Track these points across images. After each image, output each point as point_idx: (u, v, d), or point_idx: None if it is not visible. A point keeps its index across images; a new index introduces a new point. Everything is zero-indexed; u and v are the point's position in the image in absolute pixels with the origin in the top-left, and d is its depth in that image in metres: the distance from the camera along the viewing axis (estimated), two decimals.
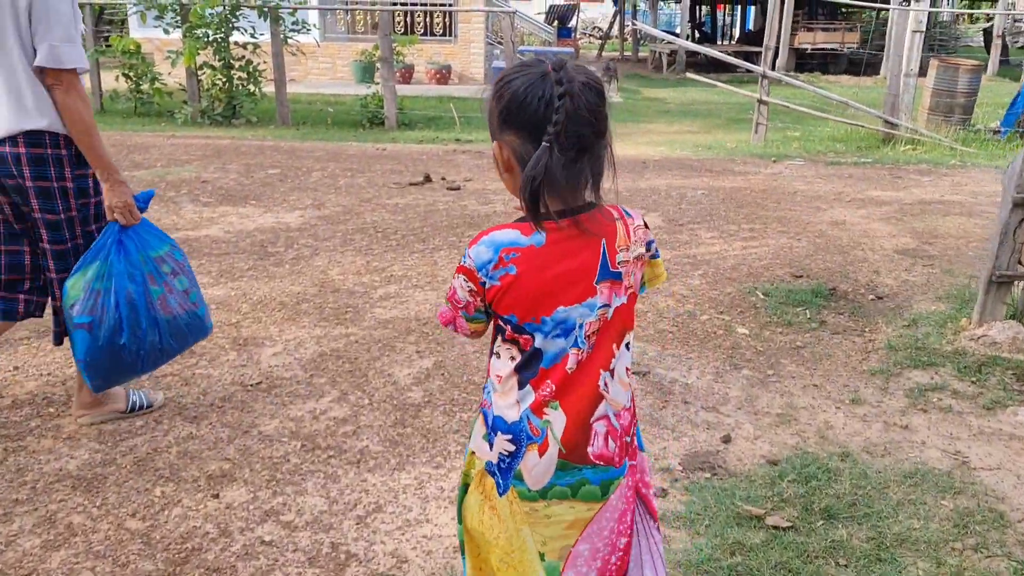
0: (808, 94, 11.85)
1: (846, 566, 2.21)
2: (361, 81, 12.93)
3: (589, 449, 1.38)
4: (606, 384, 1.38)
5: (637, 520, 1.49)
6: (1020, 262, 3.75)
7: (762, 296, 4.27)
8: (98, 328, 2.53)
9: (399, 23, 15.66)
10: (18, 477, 2.53)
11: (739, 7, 31.28)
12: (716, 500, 2.49)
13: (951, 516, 2.45)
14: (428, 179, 6.95)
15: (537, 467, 1.36)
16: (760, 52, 13.52)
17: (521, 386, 1.37)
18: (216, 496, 2.46)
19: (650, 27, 20.42)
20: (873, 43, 20.78)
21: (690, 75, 11.37)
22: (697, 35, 26.95)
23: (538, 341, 1.35)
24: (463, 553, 1.55)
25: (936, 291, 4.43)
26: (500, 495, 1.40)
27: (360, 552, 2.24)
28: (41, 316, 2.79)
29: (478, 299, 1.37)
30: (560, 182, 1.27)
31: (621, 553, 1.45)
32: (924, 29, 9.49)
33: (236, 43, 10.19)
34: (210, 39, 10.02)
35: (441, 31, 16.23)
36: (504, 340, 1.39)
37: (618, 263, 1.36)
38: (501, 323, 1.38)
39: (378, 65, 10.53)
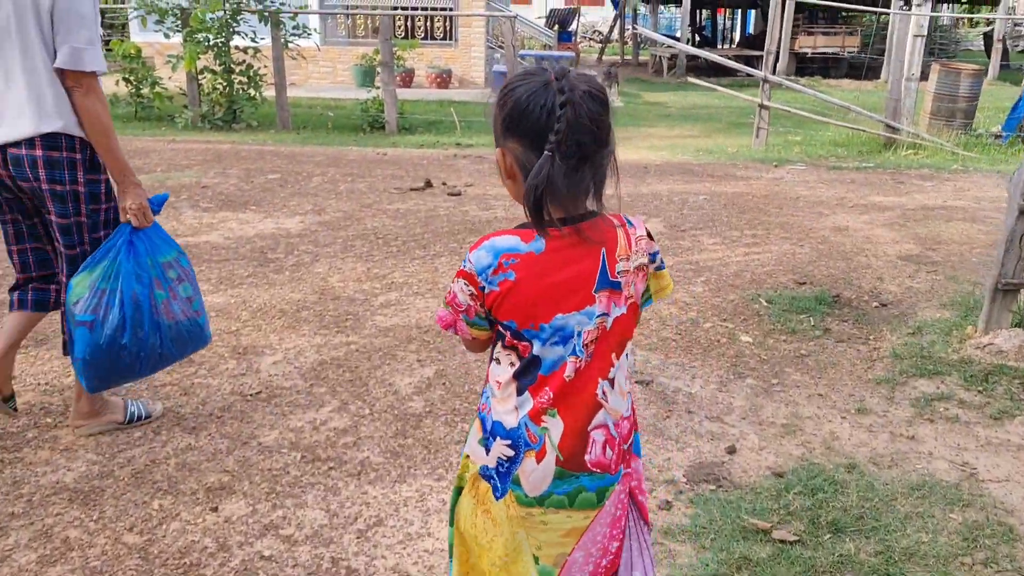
0: (809, 98, 11.83)
1: None
2: (362, 85, 12.94)
3: (586, 457, 1.38)
4: (604, 393, 1.39)
5: (630, 524, 1.50)
6: None
7: (765, 303, 4.24)
8: (100, 327, 2.52)
9: (400, 27, 15.65)
10: (14, 490, 2.50)
11: (739, 11, 31.32)
12: (721, 513, 2.46)
13: (960, 530, 2.42)
14: (429, 184, 6.92)
15: (535, 473, 1.37)
16: (760, 56, 13.51)
17: (520, 392, 1.38)
18: (215, 509, 2.43)
19: (650, 31, 20.40)
20: (874, 47, 20.76)
21: (691, 79, 11.36)
22: (697, 39, 26.96)
23: (536, 348, 1.35)
24: (451, 556, 1.55)
25: (940, 298, 4.40)
26: (497, 499, 1.40)
27: (361, 567, 2.21)
28: None
29: (478, 304, 1.37)
30: (561, 190, 1.28)
31: (612, 556, 1.46)
32: (926, 33, 9.47)
33: (237, 47, 10.18)
34: (211, 43, 10.01)
35: (442, 35, 16.23)
36: (504, 346, 1.39)
37: (618, 272, 1.36)
38: (501, 329, 1.38)
39: (378, 69, 10.51)
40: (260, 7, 10.26)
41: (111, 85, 11.28)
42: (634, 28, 25.85)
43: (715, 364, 3.55)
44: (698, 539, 2.35)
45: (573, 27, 23.42)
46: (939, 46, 20.63)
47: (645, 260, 1.41)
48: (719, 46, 28.38)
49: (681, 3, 22.30)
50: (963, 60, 17.31)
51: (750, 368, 3.52)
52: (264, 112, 10.68)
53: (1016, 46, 25.84)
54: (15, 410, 2.87)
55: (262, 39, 10.13)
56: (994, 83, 17.49)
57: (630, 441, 1.47)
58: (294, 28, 10.40)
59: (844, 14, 22.32)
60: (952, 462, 2.81)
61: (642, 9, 28.01)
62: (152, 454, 2.72)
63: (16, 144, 2.47)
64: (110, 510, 2.41)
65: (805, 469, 2.72)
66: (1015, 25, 23.39)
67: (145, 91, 10.64)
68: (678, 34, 24.29)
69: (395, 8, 15.37)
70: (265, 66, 10.29)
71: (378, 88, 10.59)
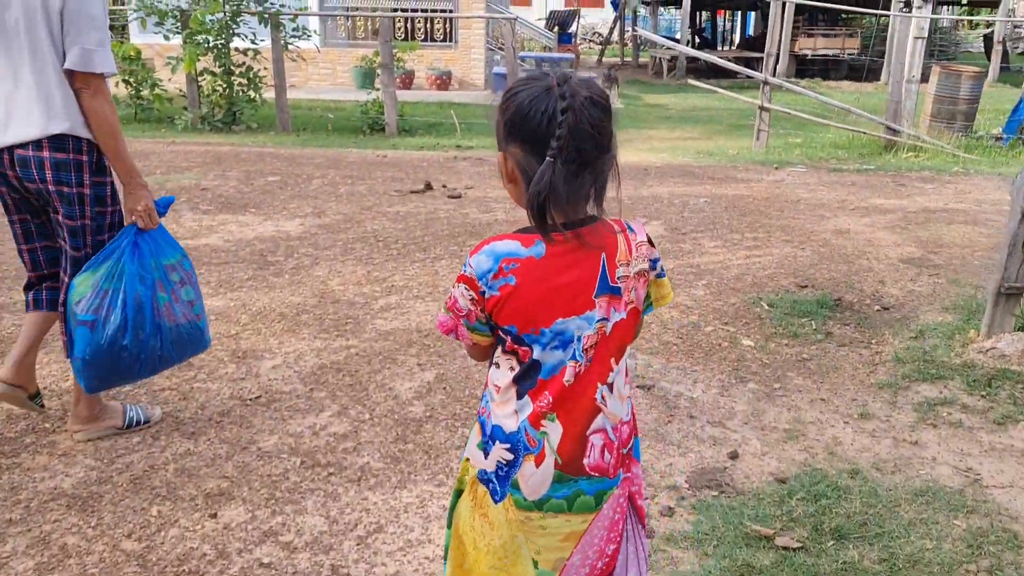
0: (809, 100, 11.82)
1: None
2: (361, 87, 12.92)
3: (585, 461, 1.39)
4: (603, 397, 1.39)
5: (628, 528, 1.50)
6: None
7: (767, 307, 4.22)
8: (101, 327, 2.51)
9: (400, 29, 15.64)
10: (12, 496, 2.48)
11: (739, 13, 31.33)
12: (724, 519, 2.44)
13: (964, 536, 2.41)
14: (429, 187, 6.91)
15: (534, 477, 1.37)
16: (760, 58, 13.50)
17: (519, 397, 1.38)
18: (214, 516, 2.41)
19: (650, 33, 20.41)
20: (874, 49, 20.76)
21: (691, 81, 11.34)
22: (697, 41, 26.96)
23: (536, 353, 1.35)
24: (445, 558, 1.55)
25: (942, 301, 4.38)
26: (496, 502, 1.41)
27: (361, 575, 2.19)
28: None
29: (478, 308, 1.36)
30: (562, 196, 1.28)
31: (608, 559, 1.47)
32: (926, 35, 9.46)
33: (236, 49, 10.16)
34: (210, 45, 9.99)
35: (442, 37, 16.21)
36: (504, 351, 1.39)
37: (618, 278, 1.36)
38: (501, 334, 1.38)
39: (378, 71, 10.49)
40: (260, 9, 10.24)
41: (111, 87, 11.26)
42: (634, 30, 25.85)
43: (717, 368, 3.53)
44: (701, 546, 2.33)
45: (573, 29, 23.43)
46: (939, 48, 20.64)
47: (646, 266, 1.41)
48: (719, 48, 28.39)
49: (681, 5, 22.30)
50: (963, 62, 17.33)
51: (752, 372, 3.50)
52: (264, 114, 10.67)
53: (1016, 48, 25.84)
54: (42, 407, 2.90)
55: (262, 41, 10.12)
56: (994, 85, 17.48)
57: (629, 445, 1.47)
58: (294, 30, 10.39)
59: (844, 16, 22.32)
60: (956, 468, 2.80)
61: (642, 11, 28.00)
62: (151, 459, 2.71)
63: (23, 145, 2.47)
64: (108, 516, 2.40)
65: (808, 475, 2.70)
66: (1015, 27, 23.38)
67: (145, 93, 10.63)
68: (678, 36, 24.29)
69: (395, 10, 15.37)
70: (265, 68, 10.28)
71: (378, 90, 10.57)
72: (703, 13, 29.57)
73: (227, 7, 9.93)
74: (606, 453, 1.40)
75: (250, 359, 3.49)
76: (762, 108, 9.74)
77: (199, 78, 10.27)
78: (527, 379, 1.37)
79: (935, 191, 7.41)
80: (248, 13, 10.19)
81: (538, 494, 1.38)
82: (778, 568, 2.22)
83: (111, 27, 16.34)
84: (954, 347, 3.73)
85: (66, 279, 2.62)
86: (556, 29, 23.01)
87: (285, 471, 2.66)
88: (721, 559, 2.26)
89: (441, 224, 5.76)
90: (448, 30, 16.14)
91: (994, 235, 5.72)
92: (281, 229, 5.56)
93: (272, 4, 10.38)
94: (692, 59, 19.83)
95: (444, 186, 7.03)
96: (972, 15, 27.74)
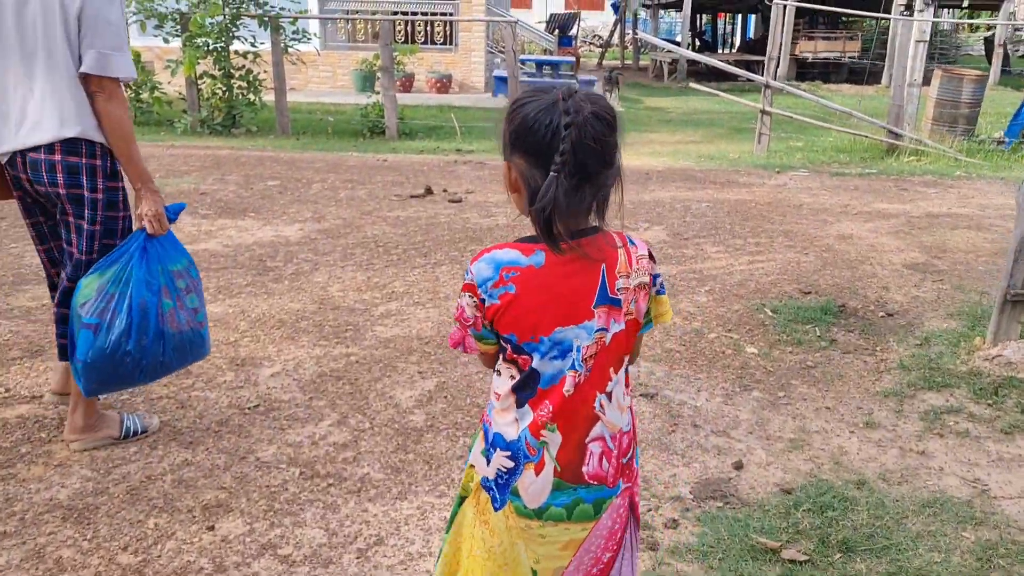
0: (810, 104, 11.80)
1: None
2: (361, 90, 12.89)
3: (584, 469, 1.40)
4: (602, 406, 1.40)
5: (626, 536, 1.51)
6: None
7: (770, 313, 4.19)
8: (105, 332, 2.49)
9: (400, 32, 15.62)
10: (6, 507, 2.44)
11: (739, 16, 31.32)
12: (729, 532, 2.41)
13: (973, 549, 2.37)
14: (429, 191, 6.88)
15: (534, 485, 1.39)
16: (761, 61, 13.47)
17: (519, 406, 1.40)
18: (211, 528, 2.37)
19: (651, 36, 20.38)
20: (874, 52, 20.74)
21: (692, 85, 11.32)
22: (698, 44, 26.95)
23: (535, 362, 1.37)
24: (438, 558, 1.57)
25: (947, 308, 4.35)
26: (496, 510, 1.42)
27: None
28: None
29: (481, 315, 1.38)
30: (563, 208, 1.29)
31: (603, 566, 1.48)
32: (928, 39, 9.43)
33: (236, 52, 10.14)
34: (210, 48, 9.97)
35: (442, 40, 16.20)
36: (505, 359, 1.41)
37: (617, 289, 1.37)
38: (503, 343, 1.40)
39: (379, 74, 10.48)
40: (260, 12, 10.23)
41: None
42: (634, 33, 25.84)
43: (720, 376, 3.49)
44: (706, 559, 2.29)
45: (573, 32, 23.39)
46: (939, 51, 20.61)
47: (646, 279, 1.42)
48: (719, 51, 28.37)
49: (681, 8, 22.28)
50: (963, 65, 17.30)
51: (756, 380, 3.47)
52: (264, 117, 10.64)
53: (1017, 51, 25.82)
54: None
55: (262, 44, 10.10)
56: (995, 88, 17.46)
57: (629, 455, 1.47)
58: (294, 33, 10.37)
59: (844, 19, 22.31)
60: (963, 478, 2.76)
61: (642, 14, 28.00)
62: (148, 470, 2.67)
63: (35, 149, 2.47)
64: (104, 529, 2.36)
65: (814, 485, 2.67)
66: (1015, 30, 23.37)
67: (144, 96, 10.61)
68: (678, 39, 24.26)
69: (395, 13, 15.35)
70: (265, 71, 10.26)
71: (378, 93, 10.55)
72: (703, 16, 29.56)
73: (227, 10, 9.90)
74: (604, 461, 1.42)
75: (249, 367, 3.46)
76: (763, 112, 9.71)
77: (199, 81, 10.25)
78: (526, 388, 1.38)
79: (938, 195, 7.38)
80: (248, 16, 10.18)
81: (538, 502, 1.39)
82: None
83: None
84: (960, 354, 3.69)
85: (64, 281, 2.60)
86: (556, 32, 22.97)
87: (284, 482, 2.63)
88: (727, 572, 2.22)
89: (442, 229, 5.73)
90: (448, 33, 16.12)
91: (998, 240, 5.69)
92: (280, 234, 5.53)
93: (272, 7, 10.36)
94: (693, 62, 19.81)
95: (445, 190, 6.99)
96: (973, 18, 27.73)
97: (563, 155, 1.25)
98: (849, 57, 20.91)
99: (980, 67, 15.83)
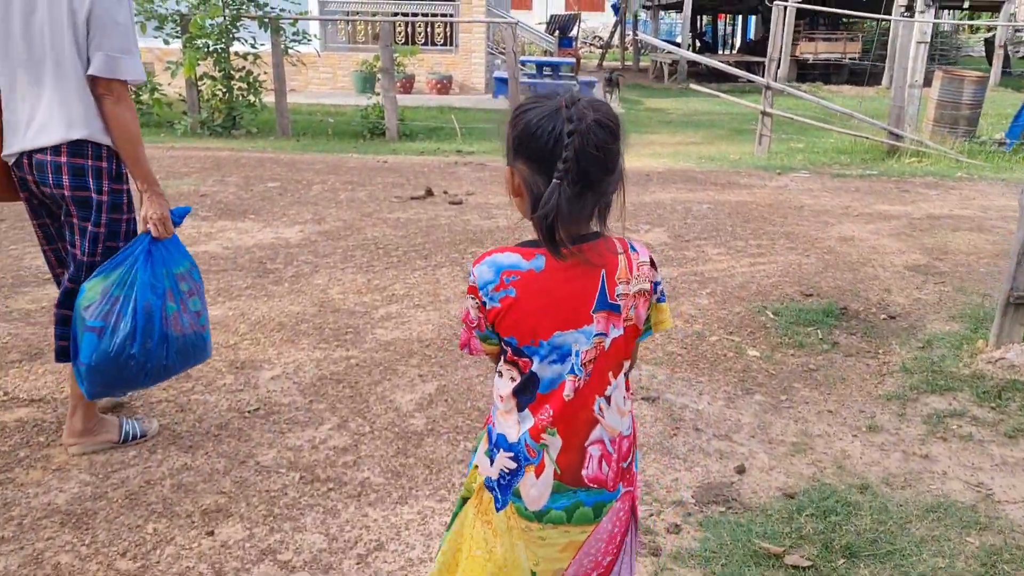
0: (811, 105, 11.79)
1: None
2: (362, 91, 12.88)
3: (584, 472, 1.41)
4: (601, 409, 1.41)
5: (626, 540, 1.52)
6: None
7: (772, 316, 4.17)
8: (110, 335, 2.48)
9: (400, 33, 15.61)
10: (4, 512, 2.43)
11: (740, 17, 31.32)
12: (732, 537, 2.39)
13: (977, 554, 2.35)
14: (430, 193, 6.86)
15: (534, 488, 1.40)
16: (761, 62, 13.46)
17: (520, 409, 1.41)
18: (211, 533, 2.36)
19: (651, 37, 20.38)
20: (875, 53, 20.73)
21: (692, 86, 11.31)
22: (698, 45, 26.94)
23: (535, 365, 1.38)
24: (437, 553, 1.58)
25: (949, 310, 4.33)
26: (498, 510, 1.44)
27: None
28: None
29: (483, 317, 1.39)
30: (565, 215, 1.30)
31: (602, 570, 1.49)
32: (929, 40, 9.42)
33: (236, 53, 10.13)
34: (210, 49, 9.96)
35: (442, 41, 16.18)
36: (506, 361, 1.42)
37: (617, 295, 1.38)
38: (504, 345, 1.41)
39: (379, 75, 10.46)
40: (260, 13, 10.22)
41: None
42: (635, 34, 25.84)
43: (722, 379, 3.48)
44: (708, 564, 2.28)
45: (574, 33, 23.40)
46: (939, 52, 20.59)
47: (647, 286, 1.42)
48: (720, 52, 28.37)
49: (682, 9, 22.27)
50: (964, 66, 17.27)
51: (758, 383, 3.45)
52: (264, 119, 10.63)
53: (1017, 52, 25.80)
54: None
55: (262, 45, 10.09)
56: (996, 89, 17.44)
57: (629, 459, 1.48)
58: (294, 34, 10.36)
59: (845, 20, 22.30)
60: (967, 482, 2.74)
61: (642, 15, 27.99)
62: (147, 474, 2.65)
63: (42, 150, 2.46)
64: (103, 534, 2.34)
65: (816, 490, 2.65)
66: (1016, 31, 23.36)
67: (144, 97, 10.58)
68: (679, 40, 24.26)
69: (396, 14, 15.34)
70: (265, 72, 10.24)
71: (378, 94, 10.54)
72: (704, 17, 29.56)
73: (227, 11, 9.89)
74: (604, 465, 1.42)
75: (249, 370, 3.44)
76: (764, 113, 9.70)
77: (199, 83, 10.24)
78: (526, 393, 1.40)
79: (939, 197, 7.36)
80: (248, 17, 10.17)
81: (538, 504, 1.41)
82: None
83: None
84: (962, 357, 3.68)
85: (67, 283, 2.60)
86: (557, 33, 22.98)
87: (284, 486, 2.61)
88: None
89: (442, 231, 5.72)
90: (449, 34, 16.11)
91: (1000, 242, 5.67)
92: (280, 236, 5.51)
93: (272, 8, 10.35)
94: (693, 63, 19.81)
95: (445, 192, 6.98)
96: (973, 19, 27.72)
97: (566, 162, 1.26)
98: (850, 58, 20.90)
99: (980, 68, 15.82)
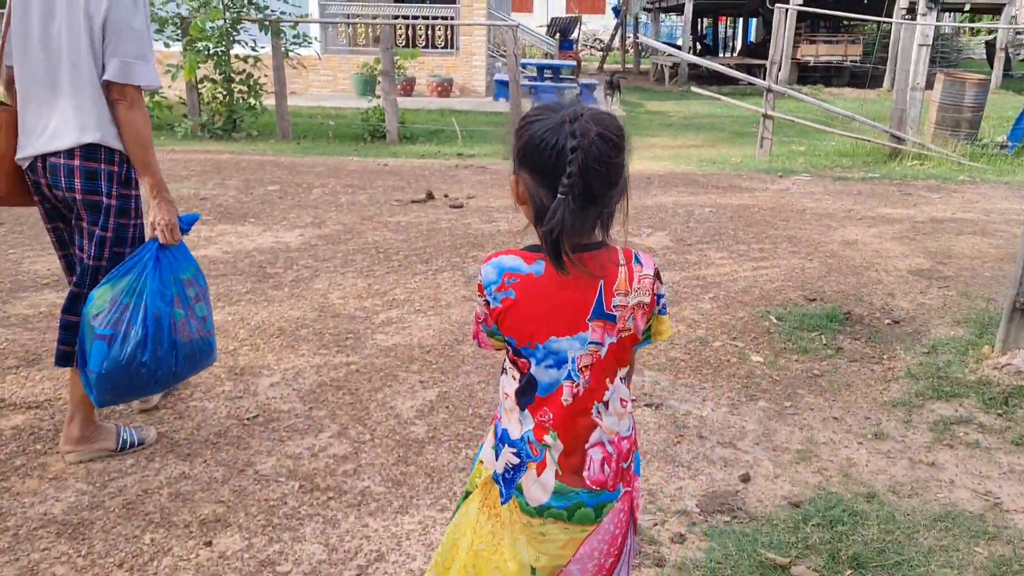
0: (812, 108, 11.76)
1: None
2: (362, 94, 12.85)
3: (585, 474, 1.43)
4: (599, 413, 1.43)
5: (627, 542, 1.53)
6: None
7: (775, 320, 4.14)
8: (120, 343, 2.46)
9: (401, 36, 15.59)
10: (0, 522, 2.40)
11: (740, 20, 31.31)
12: (737, 547, 2.36)
13: (986, 565, 2.32)
14: (431, 196, 6.83)
15: (535, 484, 1.43)
16: (762, 64, 13.44)
17: (521, 410, 1.44)
18: (209, 544, 2.33)
19: (652, 39, 20.37)
20: (876, 56, 20.71)
21: (693, 88, 11.28)
22: (699, 47, 26.92)
23: (533, 368, 1.41)
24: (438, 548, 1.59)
25: (954, 315, 4.30)
26: (503, 504, 1.47)
27: None
28: None
29: (489, 315, 1.43)
30: (568, 228, 1.31)
31: (605, 572, 1.51)
32: (930, 43, 9.39)
33: (237, 56, 10.11)
34: (211, 52, 9.94)
35: (443, 44, 16.17)
36: (508, 359, 1.46)
37: (613, 306, 1.39)
38: (506, 343, 1.44)
39: (379, 78, 10.44)
40: (260, 16, 10.20)
41: None
42: (635, 36, 25.83)
43: (726, 385, 3.45)
44: (714, 575, 2.24)
45: (574, 35, 23.38)
46: (940, 55, 20.56)
47: (647, 299, 1.42)
48: (720, 55, 28.35)
49: (682, 11, 22.25)
50: (965, 69, 17.25)
51: (762, 390, 3.42)
52: (264, 121, 10.61)
53: (1018, 55, 25.78)
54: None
55: (262, 48, 10.07)
56: (997, 92, 17.41)
57: (630, 460, 1.50)
58: (294, 37, 10.34)
59: (846, 23, 22.27)
60: (975, 491, 2.71)
61: (643, 17, 27.99)
62: (144, 483, 2.62)
63: (55, 154, 2.46)
64: (99, 544, 2.31)
65: (823, 499, 2.62)
66: (1017, 34, 23.33)
67: (145, 100, 10.56)
68: (679, 42, 24.24)
69: (396, 17, 15.32)
70: (265, 75, 10.22)
71: (379, 97, 10.52)
72: (704, 20, 29.54)
73: (227, 14, 9.88)
74: (605, 466, 1.44)
75: (248, 376, 3.41)
76: (765, 116, 9.67)
77: (199, 85, 10.22)
78: (526, 395, 1.43)
79: (942, 200, 7.33)
80: (248, 20, 10.15)
81: (539, 501, 1.43)
82: None
83: None
84: (968, 363, 3.64)
85: (73, 287, 2.59)
86: (557, 36, 22.95)
87: (283, 495, 2.58)
88: None
89: (443, 235, 5.69)
90: (449, 37, 16.09)
91: (1004, 246, 5.64)
92: (280, 240, 5.48)
93: (273, 11, 10.33)
94: (694, 66, 19.79)
95: (446, 195, 6.95)
96: (974, 21, 27.71)
97: (570, 178, 1.27)
98: (851, 61, 20.87)
99: (982, 71, 15.80)
